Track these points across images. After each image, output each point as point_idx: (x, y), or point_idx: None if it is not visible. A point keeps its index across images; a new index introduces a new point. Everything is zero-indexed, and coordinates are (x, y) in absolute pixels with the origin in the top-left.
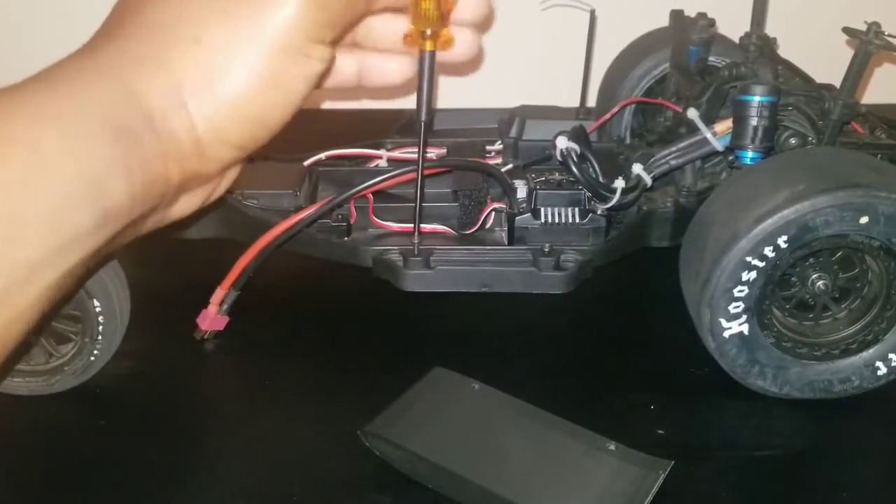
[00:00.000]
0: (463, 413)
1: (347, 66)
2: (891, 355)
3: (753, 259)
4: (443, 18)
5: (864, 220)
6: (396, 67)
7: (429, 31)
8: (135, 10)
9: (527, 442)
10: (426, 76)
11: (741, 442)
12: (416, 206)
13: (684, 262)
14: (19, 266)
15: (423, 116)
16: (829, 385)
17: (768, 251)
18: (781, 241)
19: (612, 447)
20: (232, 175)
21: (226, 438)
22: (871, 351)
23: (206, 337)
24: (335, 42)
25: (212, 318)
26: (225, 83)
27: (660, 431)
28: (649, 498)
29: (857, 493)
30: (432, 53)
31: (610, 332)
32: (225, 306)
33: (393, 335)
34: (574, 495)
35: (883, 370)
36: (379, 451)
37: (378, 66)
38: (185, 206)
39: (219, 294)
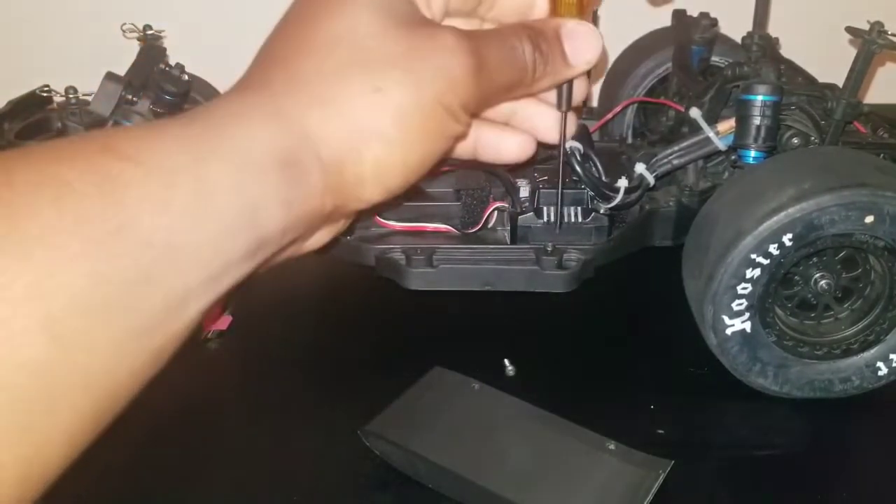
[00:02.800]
0: (463, 413)
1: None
2: (892, 356)
3: (758, 256)
4: (583, 12)
5: (869, 219)
6: (514, 145)
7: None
8: (302, 52)
9: (527, 442)
10: None
11: (741, 442)
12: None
13: (687, 258)
14: (176, 294)
15: (564, 107)
16: (829, 384)
17: (773, 249)
18: (786, 239)
19: (612, 447)
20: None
21: (226, 438)
22: (872, 351)
23: (209, 337)
24: (477, 114)
25: (215, 318)
26: (395, 131)
27: (660, 431)
28: (649, 498)
29: (857, 493)
30: None
31: (610, 332)
32: (229, 309)
33: (393, 335)
34: (574, 495)
35: (884, 370)
36: (379, 451)
37: (493, 144)
38: (319, 238)
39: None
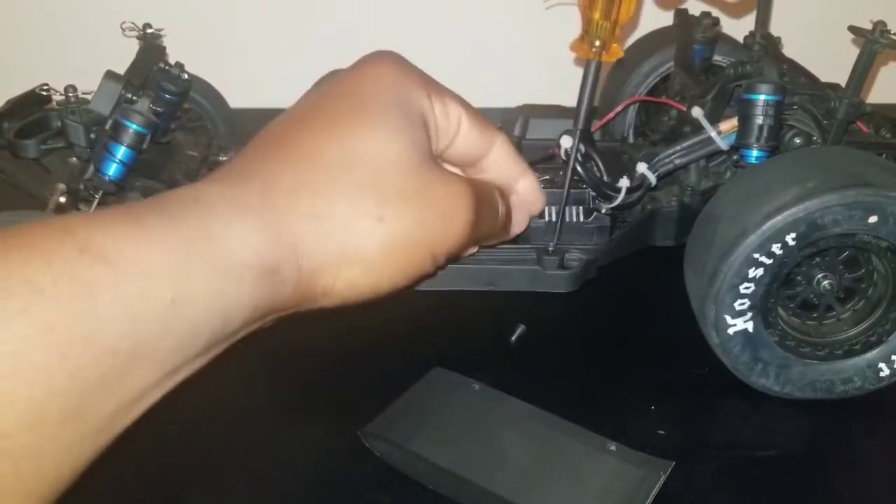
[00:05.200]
0: (463, 413)
1: None
2: (893, 357)
3: (761, 256)
4: (614, 32)
5: (873, 219)
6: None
7: (598, 43)
8: (317, 160)
9: (527, 442)
10: (589, 85)
11: (742, 443)
12: (559, 219)
13: (690, 257)
14: (131, 395)
15: (580, 125)
16: (830, 385)
17: (776, 248)
18: (790, 239)
19: (613, 447)
20: None
21: (226, 438)
22: (874, 352)
23: None
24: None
25: None
26: (378, 261)
27: (660, 432)
28: (650, 498)
29: (857, 493)
30: (598, 64)
31: (611, 332)
32: None
33: (393, 335)
34: (574, 496)
35: (885, 372)
36: (379, 452)
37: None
38: (272, 321)
39: None
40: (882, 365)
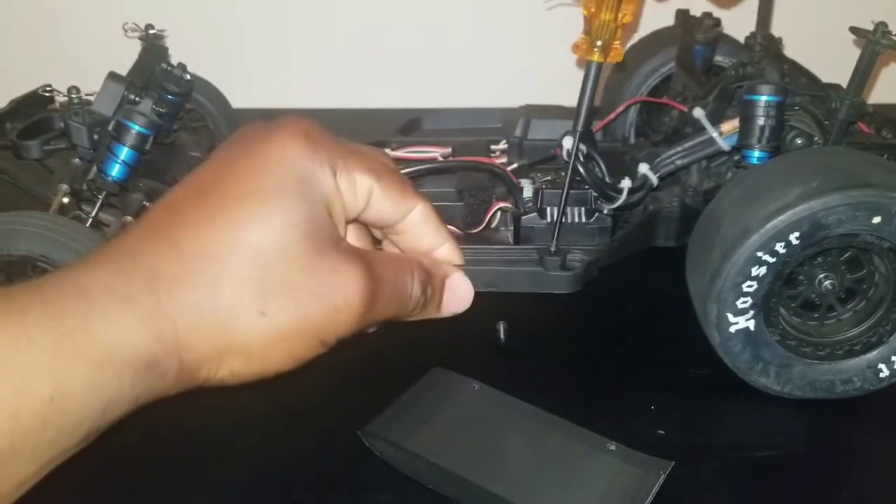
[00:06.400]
0: (463, 413)
1: None
2: (893, 358)
3: (764, 255)
4: (616, 32)
5: (876, 219)
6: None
7: (600, 43)
8: (201, 249)
9: (527, 442)
10: (590, 86)
11: (741, 442)
12: (557, 220)
13: (692, 257)
14: (9, 486)
15: (580, 126)
16: (831, 385)
17: (780, 247)
18: (793, 238)
19: (613, 447)
20: None
21: (225, 439)
22: (874, 353)
23: None
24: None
25: None
26: (260, 352)
27: (660, 431)
28: (650, 498)
29: (857, 493)
30: (599, 65)
31: (611, 332)
32: None
33: (393, 335)
34: (574, 495)
35: (885, 372)
36: (379, 452)
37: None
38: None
39: None
40: (882, 366)
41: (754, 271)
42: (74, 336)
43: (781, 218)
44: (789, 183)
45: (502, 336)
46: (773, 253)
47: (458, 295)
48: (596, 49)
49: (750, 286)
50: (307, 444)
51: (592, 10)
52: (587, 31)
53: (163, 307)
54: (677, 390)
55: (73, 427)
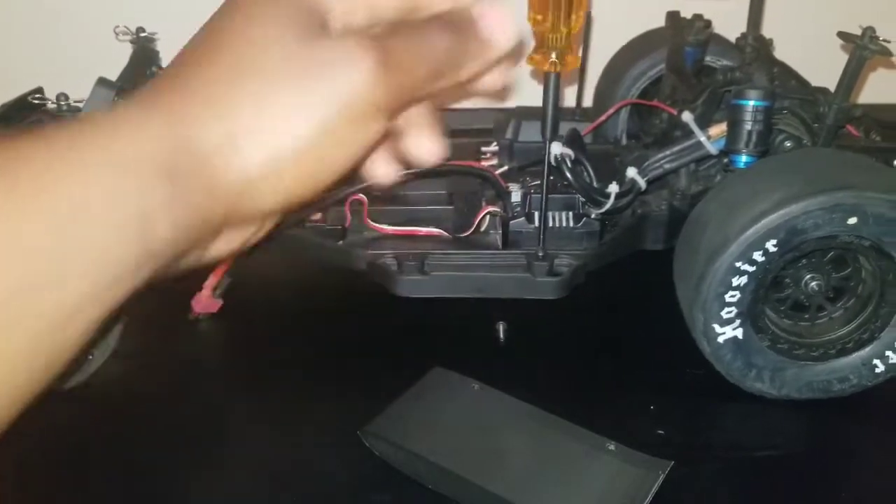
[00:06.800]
0: (463, 413)
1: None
2: (888, 353)
3: (743, 264)
4: (569, 42)
5: (852, 220)
6: (429, 151)
7: (555, 55)
8: (200, 60)
9: (527, 442)
10: (551, 97)
11: (741, 442)
12: (541, 225)
13: (678, 265)
14: (63, 308)
15: (548, 135)
16: (827, 385)
17: (758, 256)
18: (770, 245)
19: (612, 447)
20: (272, 223)
21: (226, 439)
22: (867, 349)
23: (199, 318)
24: (395, 114)
25: (205, 301)
26: (284, 137)
27: (660, 431)
28: (649, 498)
29: (857, 493)
30: (557, 75)
31: (610, 333)
32: (218, 291)
33: (393, 335)
34: (574, 495)
35: (881, 368)
36: (379, 451)
37: (413, 151)
38: (224, 247)
39: (212, 279)
40: (877, 361)
41: (735, 281)
42: (85, 148)
43: (757, 226)
44: (765, 190)
45: (502, 336)
46: (752, 262)
47: (496, 20)
48: (551, 60)
49: (733, 296)
50: (307, 444)
51: (545, 24)
52: (539, 45)
53: (167, 111)
54: (677, 390)
55: (108, 244)
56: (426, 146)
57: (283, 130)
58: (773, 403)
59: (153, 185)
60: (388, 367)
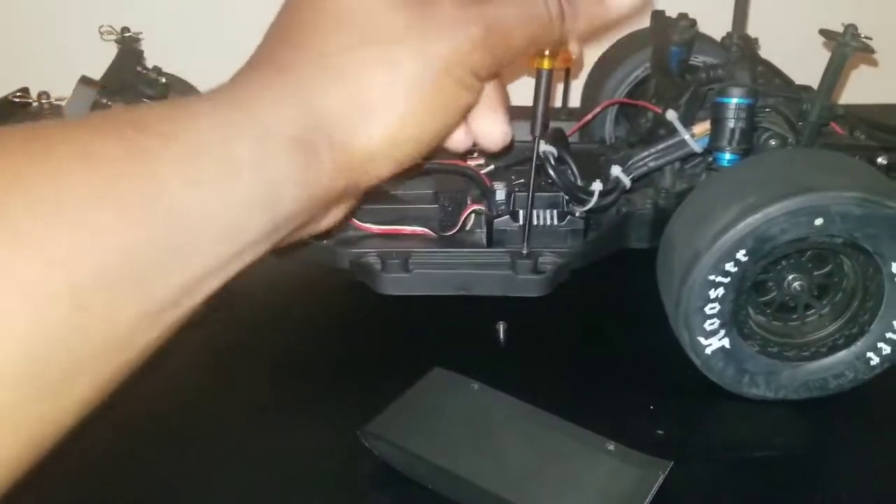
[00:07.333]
0: (463, 413)
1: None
2: (880, 344)
3: (717, 276)
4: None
5: (819, 222)
6: (502, 133)
7: (547, 51)
8: (310, 29)
9: (526, 442)
10: (542, 93)
11: (741, 442)
12: (526, 223)
13: (660, 280)
14: (197, 271)
15: (538, 132)
16: (823, 383)
17: (730, 266)
18: (741, 255)
19: (612, 447)
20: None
21: (226, 439)
22: (859, 343)
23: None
24: (489, 78)
25: None
26: (399, 103)
27: (659, 431)
28: (649, 498)
29: (857, 493)
30: (550, 72)
31: (610, 333)
32: None
33: (392, 335)
34: (573, 495)
35: (876, 360)
36: (379, 452)
37: (485, 132)
38: (332, 218)
39: None
40: (871, 354)
41: (712, 294)
42: (230, 118)
43: (724, 239)
44: (729, 200)
45: (502, 336)
46: (726, 273)
47: None
48: (543, 57)
49: (713, 308)
50: (307, 444)
51: None
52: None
53: (293, 84)
54: (676, 390)
55: (247, 211)
56: (498, 130)
57: (400, 98)
58: (773, 404)
59: (285, 157)
60: (388, 367)
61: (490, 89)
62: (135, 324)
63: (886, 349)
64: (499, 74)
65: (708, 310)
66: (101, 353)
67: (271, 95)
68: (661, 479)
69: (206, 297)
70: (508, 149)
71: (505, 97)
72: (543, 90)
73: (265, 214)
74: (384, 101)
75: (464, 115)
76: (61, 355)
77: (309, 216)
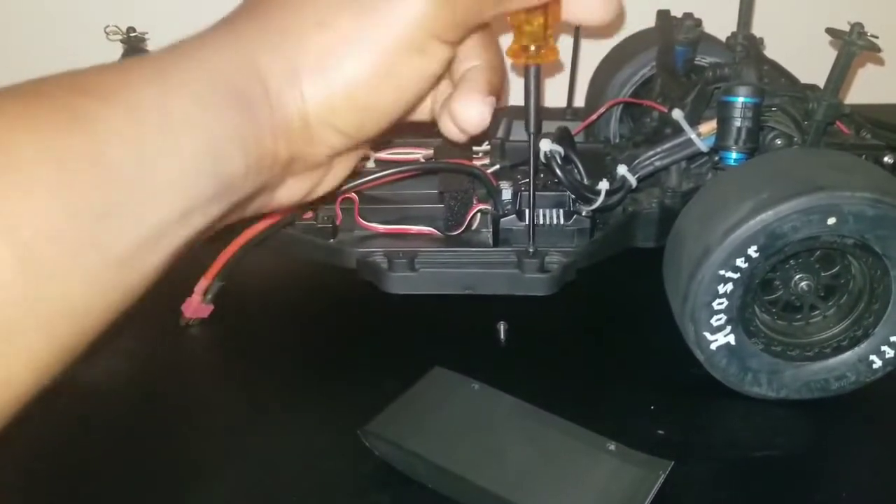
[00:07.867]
0: (463, 413)
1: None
2: (884, 347)
3: (727, 272)
4: (546, 33)
5: (831, 221)
6: (473, 116)
7: (533, 47)
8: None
9: (527, 442)
10: (532, 90)
11: (741, 442)
12: (531, 222)
13: (666, 276)
14: (148, 229)
15: (532, 129)
16: (825, 384)
17: (740, 262)
18: (752, 251)
19: (612, 447)
20: (340, 173)
21: (224, 438)
22: (863, 346)
23: (190, 324)
24: (455, 44)
25: (195, 306)
26: (340, 68)
27: (660, 431)
28: (649, 498)
29: (857, 493)
30: (538, 68)
31: (609, 333)
32: (209, 296)
33: (393, 335)
34: (574, 495)
35: (878, 363)
36: (379, 451)
37: (455, 112)
38: (289, 193)
39: (202, 284)
40: (874, 357)
41: (721, 289)
42: (168, 73)
43: (736, 234)
44: (742, 196)
45: (502, 336)
46: (736, 269)
47: None
48: (530, 53)
49: (720, 304)
50: (307, 444)
51: (521, 16)
52: (518, 38)
53: (236, 40)
54: (677, 390)
55: (189, 169)
56: (473, 111)
57: (341, 63)
58: (774, 404)
59: (225, 112)
60: (388, 367)
61: (476, 70)
62: (87, 282)
63: (890, 353)
64: (487, 44)
65: (716, 305)
66: (51, 313)
67: (214, 54)
68: (661, 480)
69: (168, 257)
70: (484, 136)
71: (493, 80)
72: (533, 87)
73: (212, 173)
74: (318, 63)
75: (428, 85)
76: (6, 316)
77: (258, 183)
